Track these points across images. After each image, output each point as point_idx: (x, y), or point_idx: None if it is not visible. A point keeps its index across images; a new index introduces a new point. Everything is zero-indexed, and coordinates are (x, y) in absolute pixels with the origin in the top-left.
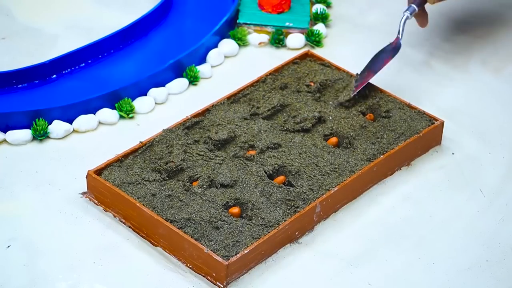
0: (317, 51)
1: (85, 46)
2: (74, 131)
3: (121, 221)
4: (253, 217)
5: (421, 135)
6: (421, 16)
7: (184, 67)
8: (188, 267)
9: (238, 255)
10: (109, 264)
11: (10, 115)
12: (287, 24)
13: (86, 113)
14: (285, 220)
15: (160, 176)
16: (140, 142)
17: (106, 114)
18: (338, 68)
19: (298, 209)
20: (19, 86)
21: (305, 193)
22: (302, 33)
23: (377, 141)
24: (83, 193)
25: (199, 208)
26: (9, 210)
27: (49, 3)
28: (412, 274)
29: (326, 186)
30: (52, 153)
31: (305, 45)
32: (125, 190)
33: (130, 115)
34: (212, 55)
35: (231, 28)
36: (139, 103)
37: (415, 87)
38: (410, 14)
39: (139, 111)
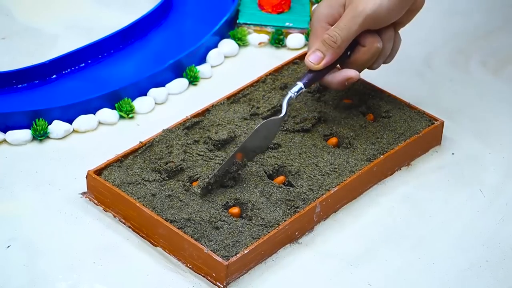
0: None
1: (85, 46)
2: (74, 131)
3: (121, 221)
4: (253, 217)
5: (421, 135)
6: (330, 81)
7: (184, 67)
8: (188, 267)
9: (238, 255)
10: (109, 264)
11: (10, 115)
12: (287, 24)
13: (86, 113)
14: (285, 220)
15: (160, 176)
16: (140, 142)
17: (106, 114)
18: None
19: (298, 209)
20: (19, 86)
21: (305, 193)
22: (302, 33)
23: (377, 141)
24: (83, 193)
25: (199, 208)
26: (9, 210)
27: (49, 3)
28: (412, 274)
29: (326, 186)
30: (52, 153)
31: (305, 45)
32: (125, 190)
33: (130, 115)
34: (212, 55)
35: (231, 28)
36: (139, 103)
37: (415, 87)
38: (295, 94)
39: (139, 111)
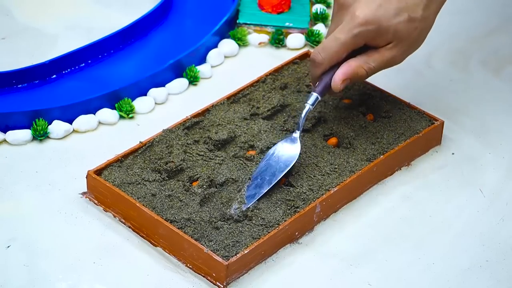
0: None
1: (85, 46)
2: (74, 131)
3: (121, 221)
4: (253, 217)
5: (421, 135)
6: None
7: (184, 67)
8: (188, 267)
9: (238, 255)
10: (109, 264)
11: (10, 115)
12: (287, 24)
13: (86, 113)
14: (285, 220)
15: (160, 176)
16: (140, 142)
17: (106, 114)
18: None
19: (298, 209)
20: (19, 86)
21: (305, 193)
22: (302, 33)
23: (377, 141)
24: (83, 193)
25: (199, 208)
26: (9, 210)
27: (49, 3)
28: (412, 274)
29: (326, 186)
30: (52, 153)
31: (305, 45)
32: (125, 190)
33: (130, 115)
34: (212, 55)
35: (231, 28)
36: (139, 103)
37: (415, 87)
38: (312, 104)
39: (139, 111)
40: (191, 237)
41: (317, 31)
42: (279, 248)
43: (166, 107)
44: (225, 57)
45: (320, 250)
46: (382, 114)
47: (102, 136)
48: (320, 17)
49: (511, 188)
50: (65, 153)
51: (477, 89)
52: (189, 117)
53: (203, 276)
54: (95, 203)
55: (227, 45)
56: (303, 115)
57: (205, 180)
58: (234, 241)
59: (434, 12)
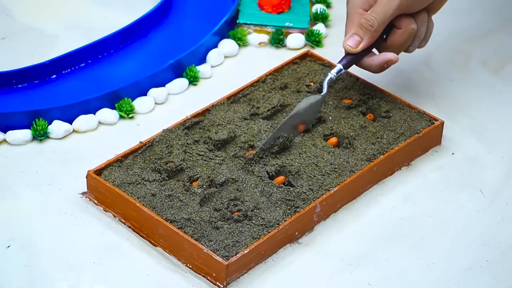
0: (317, 51)
1: (85, 46)
2: (74, 131)
3: (121, 221)
4: (253, 217)
5: (421, 135)
6: (369, 64)
7: (184, 67)
8: (188, 267)
9: (238, 255)
10: (109, 264)
11: (10, 115)
12: (287, 24)
13: (86, 113)
14: (285, 220)
15: (160, 176)
16: (140, 142)
17: (106, 114)
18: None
19: (298, 209)
20: (19, 86)
21: (305, 193)
22: (302, 33)
23: (377, 141)
24: (83, 193)
25: (199, 208)
26: (9, 210)
27: (49, 3)
28: (412, 274)
29: (326, 186)
30: (52, 153)
31: (305, 45)
32: (125, 190)
33: (130, 115)
34: (212, 55)
35: (231, 28)
36: (139, 103)
37: (415, 87)
38: (335, 74)
39: (139, 111)
40: (191, 237)
41: (317, 31)
42: (279, 248)
43: (166, 107)
44: (225, 57)
45: (320, 250)
46: (382, 114)
47: (102, 136)
48: (320, 17)
49: (511, 188)
50: (65, 153)
51: (477, 89)
52: (189, 117)
53: (203, 276)
54: (95, 203)
55: (227, 45)
56: (325, 82)
57: (205, 180)
58: (234, 241)
59: None
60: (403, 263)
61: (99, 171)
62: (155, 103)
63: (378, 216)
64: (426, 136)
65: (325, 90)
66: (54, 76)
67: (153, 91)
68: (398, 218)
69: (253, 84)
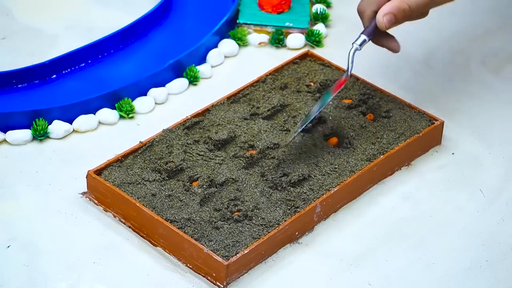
0: (317, 51)
1: (85, 46)
2: (74, 131)
3: (121, 221)
4: (253, 217)
5: (421, 135)
6: (387, 42)
7: (184, 67)
8: (188, 267)
9: (238, 255)
10: (109, 264)
11: (10, 115)
12: (287, 24)
13: (86, 113)
14: (285, 220)
15: (160, 176)
16: (140, 142)
17: (106, 114)
18: (338, 68)
19: (298, 209)
20: (19, 86)
21: (305, 193)
22: (302, 33)
23: (377, 141)
24: (83, 193)
25: (199, 208)
26: (9, 210)
27: (49, 3)
28: (412, 274)
29: (326, 186)
30: (52, 153)
31: (305, 45)
32: (125, 190)
33: (130, 115)
34: (212, 55)
35: (231, 28)
36: (139, 103)
37: (415, 87)
38: (360, 45)
39: (139, 111)
40: (191, 237)
41: (317, 31)
42: (279, 248)
43: (166, 107)
44: (225, 57)
45: (320, 250)
46: (382, 114)
47: (102, 136)
48: (320, 17)
49: (511, 188)
50: (65, 153)
51: (477, 89)
52: (189, 117)
53: (203, 276)
54: (95, 203)
55: (227, 45)
56: (350, 55)
57: (205, 180)
58: (234, 241)
59: None
60: (403, 263)
61: (99, 171)
62: (155, 103)
63: (378, 216)
64: (426, 136)
65: (350, 66)
66: (54, 76)
67: (153, 91)
68: (398, 218)
69: (253, 84)
